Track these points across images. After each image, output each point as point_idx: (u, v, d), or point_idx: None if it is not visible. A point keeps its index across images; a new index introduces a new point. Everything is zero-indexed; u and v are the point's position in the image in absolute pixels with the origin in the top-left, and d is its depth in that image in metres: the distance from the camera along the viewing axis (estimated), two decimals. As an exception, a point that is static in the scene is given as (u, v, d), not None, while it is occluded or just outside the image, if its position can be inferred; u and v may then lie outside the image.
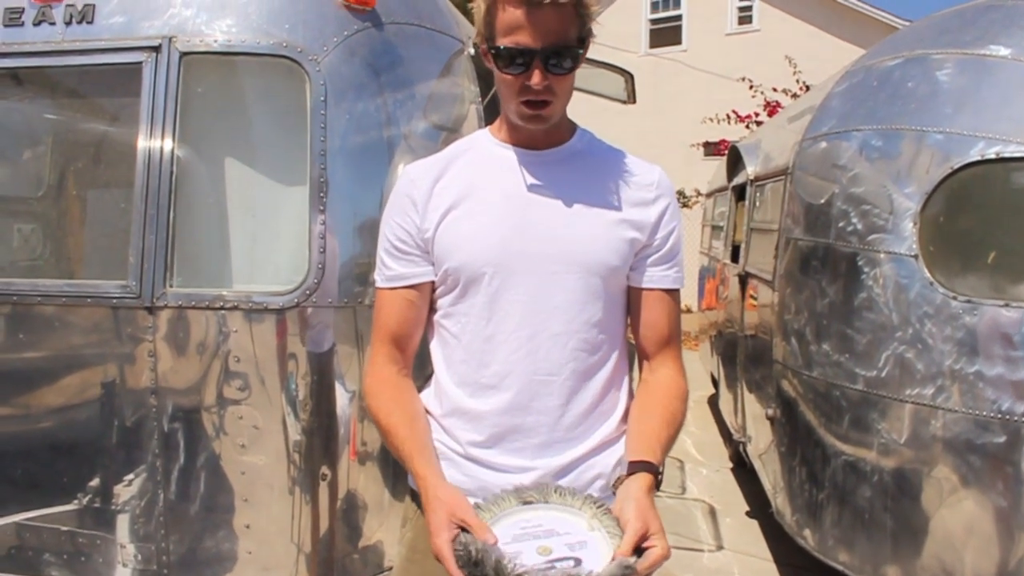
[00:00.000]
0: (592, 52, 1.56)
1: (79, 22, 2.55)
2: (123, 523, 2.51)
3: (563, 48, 1.38)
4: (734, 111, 11.05)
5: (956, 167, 2.75)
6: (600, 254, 1.48)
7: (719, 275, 6.21)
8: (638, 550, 1.25)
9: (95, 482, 2.53)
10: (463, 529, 1.28)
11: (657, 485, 1.39)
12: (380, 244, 1.58)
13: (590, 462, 1.48)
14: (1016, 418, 2.57)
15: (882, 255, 2.88)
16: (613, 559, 1.22)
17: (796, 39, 12.63)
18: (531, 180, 1.50)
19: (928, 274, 2.75)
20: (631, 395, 1.60)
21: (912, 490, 2.79)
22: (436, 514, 1.33)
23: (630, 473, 1.37)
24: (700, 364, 7.49)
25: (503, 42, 1.38)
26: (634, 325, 1.59)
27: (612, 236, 1.49)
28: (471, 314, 1.49)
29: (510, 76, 1.40)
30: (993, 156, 2.70)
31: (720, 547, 4.35)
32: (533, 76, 1.37)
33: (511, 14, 1.36)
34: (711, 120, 11.21)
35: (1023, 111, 2.73)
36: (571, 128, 1.58)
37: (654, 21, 14.93)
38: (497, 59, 1.40)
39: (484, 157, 1.54)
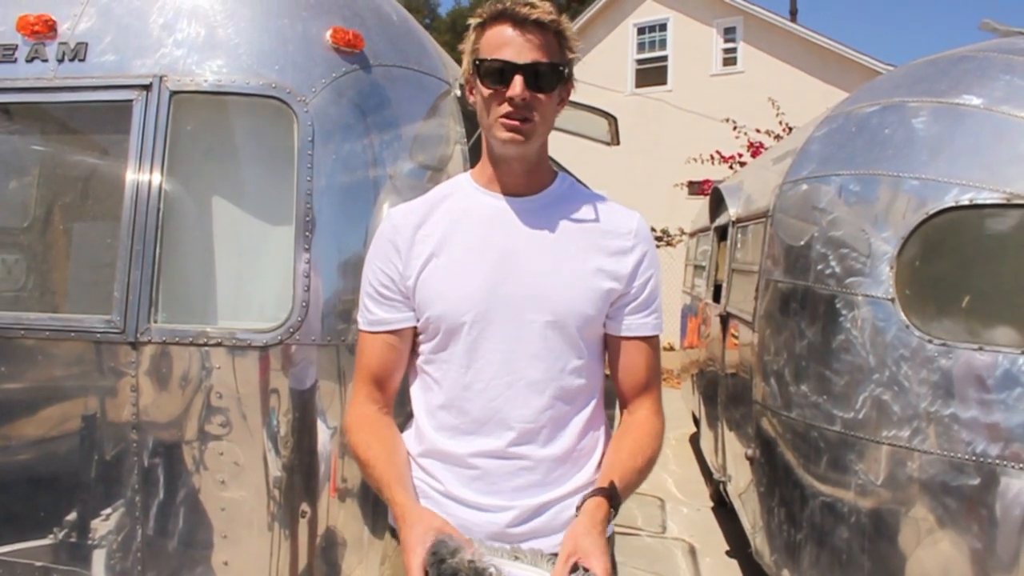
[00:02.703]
0: (579, 91, 1.61)
1: (72, 59, 2.58)
2: (99, 559, 2.49)
3: (545, 66, 1.44)
4: (718, 151, 11.21)
5: (931, 212, 2.81)
6: (576, 304, 1.51)
7: (701, 314, 6.25)
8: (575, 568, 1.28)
9: (72, 516, 2.50)
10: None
11: (615, 507, 1.41)
12: (363, 287, 1.60)
13: (566, 503, 1.50)
14: (990, 460, 2.60)
15: (859, 298, 2.93)
16: None
17: (779, 81, 12.86)
18: (510, 228, 1.53)
19: (904, 317, 2.80)
20: (608, 441, 1.62)
21: (889, 531, 2.81)
22: (412, 529, 1.33)
23: (584, 501, 1.41)
24: (682, 402, 7.48)
25: (488, 56, 1.44)
26: (613, 370, 1.61)
27: (588, 286, 1.52)
28: (451, 361, 1.52)
29: (492, 89, 1.45)
30: (967, 202, 2.76)
31: (701, 587, 4.34)
32: (515, 86, 1.42)
33: (497, 32, 1.44)
34: (695, 160, 11.36)
35: (995, 159, 2.80)
36: (552, 173, 1.61)
37: (640, 61, 15.17)
38: (482, 74, 1.46)
39: (465, 203, 1.57)
